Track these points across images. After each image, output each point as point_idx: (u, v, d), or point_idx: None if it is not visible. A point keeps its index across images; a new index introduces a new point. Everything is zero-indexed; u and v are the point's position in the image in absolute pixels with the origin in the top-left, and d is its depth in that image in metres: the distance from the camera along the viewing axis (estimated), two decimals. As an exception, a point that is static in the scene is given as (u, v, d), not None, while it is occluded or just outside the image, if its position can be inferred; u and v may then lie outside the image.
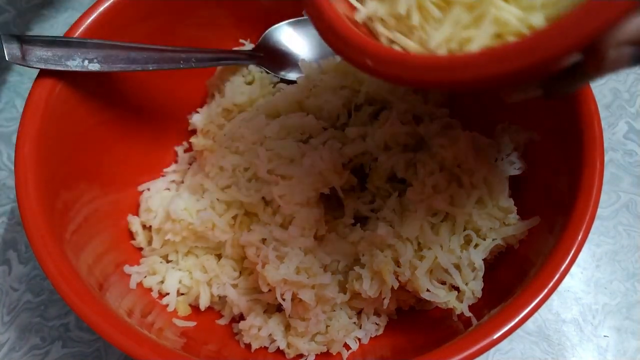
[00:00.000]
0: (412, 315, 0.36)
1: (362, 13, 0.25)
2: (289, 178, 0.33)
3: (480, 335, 0.26)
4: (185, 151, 0.42)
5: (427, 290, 0.33)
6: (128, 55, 0.34)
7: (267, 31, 0.43)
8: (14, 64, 0.51)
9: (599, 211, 0.43)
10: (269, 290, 0.33)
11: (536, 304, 0.27)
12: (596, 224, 0.43)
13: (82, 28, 0.35)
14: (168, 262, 0.38)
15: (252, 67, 0.42)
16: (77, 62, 0.33)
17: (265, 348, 0.35)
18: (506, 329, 0.26)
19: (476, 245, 0.33)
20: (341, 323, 0.34)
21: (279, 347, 0.34)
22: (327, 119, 0.37)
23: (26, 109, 0.33)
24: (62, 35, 0.34)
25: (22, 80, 0.50)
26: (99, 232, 0.36)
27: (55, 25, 0.54)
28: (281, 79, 0.42)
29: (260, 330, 0.34)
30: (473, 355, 0.26)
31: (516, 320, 0.27)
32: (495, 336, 0.26)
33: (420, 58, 0.22)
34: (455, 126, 0.38)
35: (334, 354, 0.35)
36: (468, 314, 0.32)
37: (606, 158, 0.45)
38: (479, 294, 0.32)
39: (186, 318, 0.36)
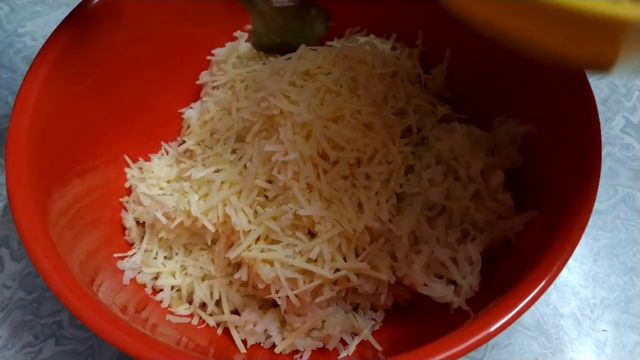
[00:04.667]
0: (409, 310, 0.36)
1: None
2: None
3: (477, 328, 0.26)
4: (179, 145, 0.41)
5: (424, 284, 0.33)
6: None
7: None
8: (5, 61, 0.50)
9: (597, 205, 0.43)
10: (264, 287, 0.33)
11: (533, 297, 0.27)
12: (594, 218, 0.43)
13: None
14: (162, 258, 0.37)
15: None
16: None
17: (261, 344, 0.35)
18: (503, 321, 0.26)
19: (473, 239, 0.33)
20: (337, 318, 0.34)
21: (274, 343, 0.34)
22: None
23: (16, 105, 0.32)
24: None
25: (15, 77, 0.50)
26: (91, 228, 0.36)
27: (49, 22, 0.54)
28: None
29: (255, 326, 0.34)
30: (470, 348, 0.25)
31: (513, 313, 0.26)
32: (492, 329, 0.26)
33: None
34: (451, 119, 0.38)
35: (330, 349, 0.34)
36: (465, 307, 0.31)
37: (603, 152, 0.45)
38: (476, 288, 0.32)
39: (180, 314, 0.35)
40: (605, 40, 0.20)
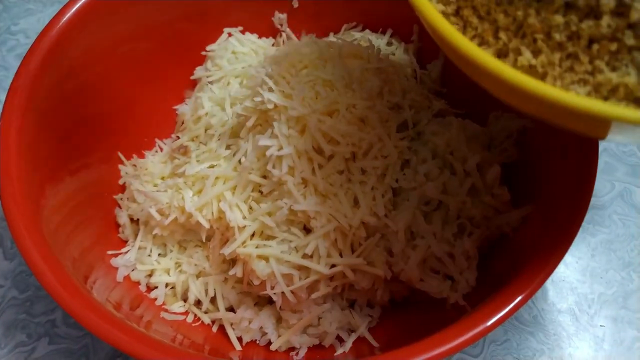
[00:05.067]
0: (406, 306, 0.36)
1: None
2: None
3: (473, 322, 0.26)
4: (173, 142, 0.41)
5: (421, 280, 0.33)
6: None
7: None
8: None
9: (594, 200, 0.43)
10: (260, 283, 0.32)
11: (530, 291, 0.27)
12: (591, 213, 0.42)
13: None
14: (156, 255, 0.37)
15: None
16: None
17: (257, 341, 0.34)
18: (499, 316, 0.26)
19: (470, 234, 0.33)
20: (333, 315, 0.34)
21: (270, 340, 0.34)
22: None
23: (7, 102, 0.32)
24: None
25: (8, 75, 0.50)
26: (85, 226, 0.35)
27: (42, 19, 0.53)
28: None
29: (251, 323, 0.34)
30: (466, 343, 0.25)
31: (509, 307, 0.26)
32: (489, 323, 0.26)
33: None
34: (447, 114, 0.38)
35: (327, 346, 0.34)
36: (462, 302, 0.31)
37: (600, 147, 0.44)
38: (473, 283, 0.32)
39: (175, 311, 0.35)
40: (593, 126, 0.22)
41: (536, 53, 0.22)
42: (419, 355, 0.25)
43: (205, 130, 0.37)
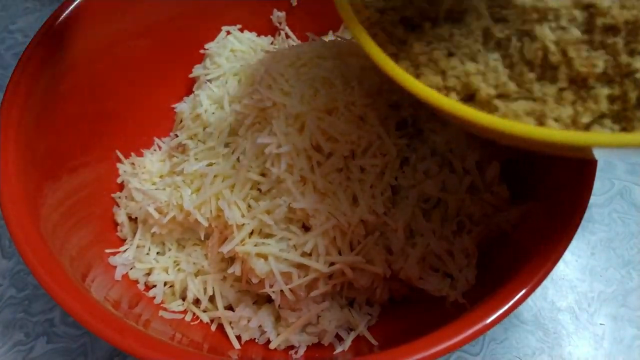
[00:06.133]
0: (406, 304, 0.36)
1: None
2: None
3: (472, 320, 0.26)
4: (172, 140, 0.41)
5: (420, 278, 0.33)
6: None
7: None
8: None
9: (593, 199, 0.43)
10: (259, 282, 0.32)
11: (529, 289, 0.27)
12: (591, 211, 0.42)
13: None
14: (155, 253, 0.37)
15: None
16: None
17: (255, 340, 0.34)
18: (498, 313, 0.26)
19: (469, 231, 0.33)
20: (333, 313, 0.34)
21: (269, 339, 0.34)
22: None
23: (5, 100, 0.32)
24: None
25: (6, 73, 0.50)
26: (83, 225, 0.35)
27: (40, 18, 0.53)
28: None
29: (249, 321, 0.33)
30: (465, 340, 0.25)
31: (509, 305, 0.26)
32: (488, 321, 0.25)
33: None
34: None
35: (326, 344, 0.34)
36: (462, 300, 0.31)
37: (600, 145, 0.45)
38: (472, 281, 0.32)
39: (174, 310, 0.35)
40: (570, 152, 0.24)
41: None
42: (418, 353, 0.25)
43: (204, 129, 0.37)
